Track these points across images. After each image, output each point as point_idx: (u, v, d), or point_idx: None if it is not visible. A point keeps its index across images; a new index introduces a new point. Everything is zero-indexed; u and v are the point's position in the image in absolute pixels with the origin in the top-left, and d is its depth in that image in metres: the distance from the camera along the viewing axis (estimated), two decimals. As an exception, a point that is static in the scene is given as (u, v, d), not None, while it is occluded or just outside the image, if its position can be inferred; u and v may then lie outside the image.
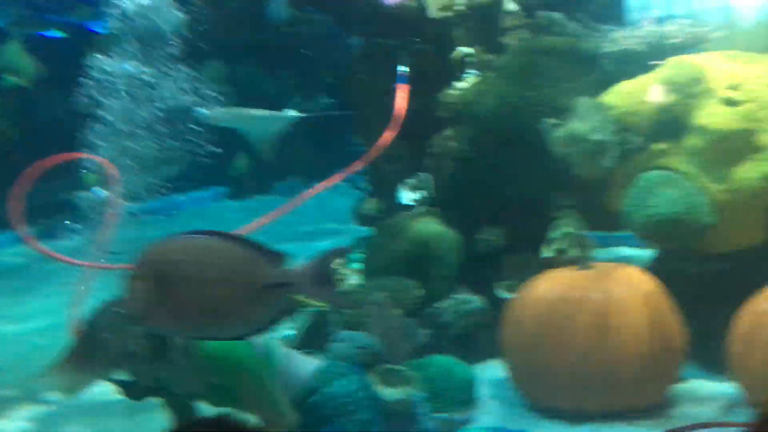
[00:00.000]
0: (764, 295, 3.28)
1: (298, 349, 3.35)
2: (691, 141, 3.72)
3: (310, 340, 3.75)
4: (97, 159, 3.86)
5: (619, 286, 3.49)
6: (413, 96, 4.54)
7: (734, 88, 3.70)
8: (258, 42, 9.36)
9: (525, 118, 4.08)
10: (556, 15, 4.54)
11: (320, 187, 4.48)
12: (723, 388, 3.57)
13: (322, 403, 2.11)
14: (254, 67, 9.43)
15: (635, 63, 4.00)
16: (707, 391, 3.63)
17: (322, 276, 1.99)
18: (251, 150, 9.77)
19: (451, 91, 4.51)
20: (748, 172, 3.60)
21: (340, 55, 8.50)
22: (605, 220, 4.09)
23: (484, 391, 3.73)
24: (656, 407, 3.47)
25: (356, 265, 4.65)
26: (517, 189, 4.19)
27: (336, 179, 4.48)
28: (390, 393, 3.28)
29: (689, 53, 3.92)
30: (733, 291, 3.46)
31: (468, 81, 4.47)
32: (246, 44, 9.25)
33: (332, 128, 8.88)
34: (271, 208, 4.29)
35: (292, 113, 5.34)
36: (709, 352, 3.57)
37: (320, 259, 2.02)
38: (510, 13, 4.49)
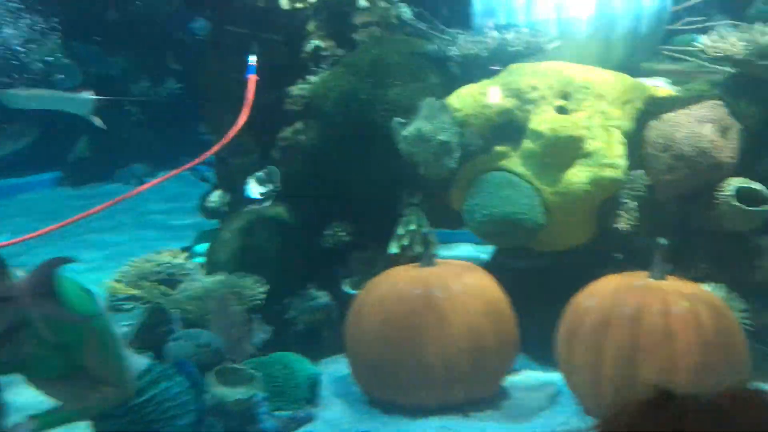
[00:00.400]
0: (586, 293, 3.52)
1: (133, 346, 3.18)
2: (527, 145, 3.91)
3: (146, 337, 3.57)
4: None
5: (459, 282, 3.61)
6: (263, 88, 4.45)
7: (565, 97, 3.94)
8: (99, 19, 8.80)
9: (373, 115, 4.11)
10: (407, 15, 4.62)
11: (165, 177, 4.29)
12: (551, 378, 3.80)
13: (144, 406, 2.00)
14: (95, 45, 8.85)
15: (478, 67, 4.15)
16: (537, 381, 3.85)
17: (43, 288, 1.85)
18: (94, 134, 9.20)
19: (302, 85, 4.46)
20: (576, 176, 3.85)
21: (189, 40, 8.18)
22: (448, 218, 4.23)
23: (327, 388, 3.73)
24: (490, 398, 3.63)
25: (200, 260, 4.50)
26: (364, 185, 4.22)
27: (182, 169, 4.31)
28: (229, 393, 3.20)
29: (527, 61, 4.12)
30: (562, 288, 3.69)
31: (318, 75, 4.44)
32: (85, 20, 8.66)
33: (179, 115, 8.53)
34: (110, 196, 4.05)
35: (88, 95, 5.05)
36: (538, 344, 3.78)
37: (39, 271, 1.88)
38: (362, 9, 4.50)
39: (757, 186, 3.70)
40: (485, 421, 3.46)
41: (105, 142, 9.19)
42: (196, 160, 4.19)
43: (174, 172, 4.17)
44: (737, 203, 3.66)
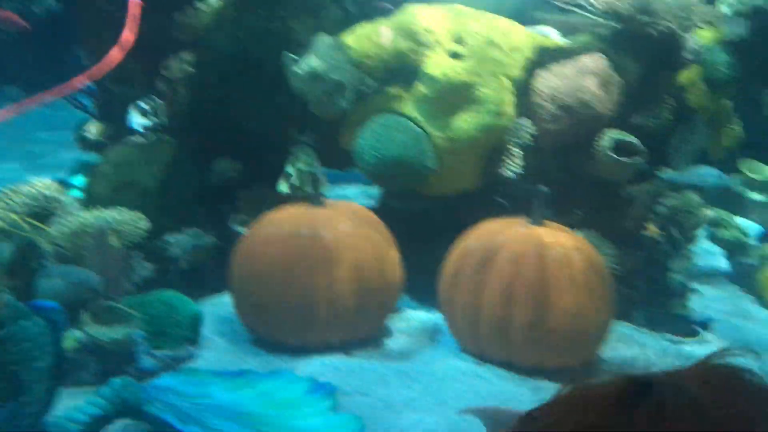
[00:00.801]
0: (469, 236, 3.63)
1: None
2: (420, 89, 3.92)
3: (14, 274, 3.37)
4: None
5: (347, 223, 3.62)
6: (149, 13, 4.19)
7: (459, 41, 3.95)
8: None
9: (265, 49, 3.98)
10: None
11: (35, 99, 3.96)
12: (433, 318, 3.92)
13: (2, 342, 1.88)
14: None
15: (375, 7, 4.08)
16: (419, 322, 3.96)
17: None
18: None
19: (190, 12, 4.24)
20: (466, 122, 3.90)
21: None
22: (338, 158, 4.20)
23: (209, 327, 3.69)
24: (373, 338, 3.71)
25: (77, 193, 4.27)
26: (254, 121, 4.11)
27: (54, 94, 3.99)
28: (106, 332, 3.10)
29: (423, 3, 4.09)
30: (448, 231, 3.78)
31: (209, 3, 4.23)
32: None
33: (58, 36, 7.95)
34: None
35: None
36: (422, 285, 3.88)
37: None
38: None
39: (631, 138, 3.89)
40: (367, 359, 3.53)
41: (-27, 61, 8.47)
42: (69, 85, 3.90)
43: (42, 95, 3.86)
44: (612, 154, 3.84)
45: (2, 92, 8.31)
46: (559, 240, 3.50)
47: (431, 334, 3.83)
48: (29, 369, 1.89)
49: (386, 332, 3.80)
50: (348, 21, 4.07)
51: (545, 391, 3.34)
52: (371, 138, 3.89)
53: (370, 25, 4.01)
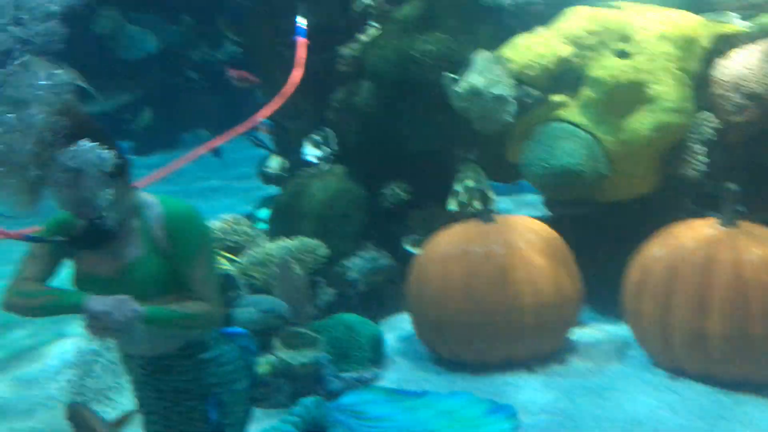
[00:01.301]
0: (653, 242, 3.42)
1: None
2: (586, 93, 3.77)
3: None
4: None
5: (519, 237, 3.56)
6: (314, 49, 4.42)
7: (625, 40, 3.76)
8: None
9: (425, 71, 4.04)
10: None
11: (216, 141, 4.30)
12: (618, 330, 3.73)
13: (209, 364, 2.03)
14: (151, 14, 8.98)
15: (532, 15, 4.00)
16: (603, 334, 3.79)
17: None
18: (156, 103, 9.41)
19: (352, 44, 4.41)
20: (640, 123, 3.69)
21: (244, 2, 8.20)
22: (506, 172, 4.15)
23: (390, 348, 3.77)
24: (555, 353, 3.60)
25: (262, 225, 4.58)
26: (419, 143, 4.18)
27: (233, 133, 4.30)
28: (295, 356, 3.28)
29: (584, 5, 3.94)
30: (626, 238, 3.59)
31: (369, 33, 4.38)
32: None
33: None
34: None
35: None
36: (604, 296, 3.72)
37: None
38: (409, -38, 4.39)
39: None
40: (550, 376, 3.43)
41: (168, 110, 9.40)
42: (247, 123, 4.19)
43: (225, 136, 4.18)
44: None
45: (195, 135, 9.14)
46: (755, 241, 3.20)
47: (618, 348, 3.65)
48: (230, 391, 2.04)
49: (569, 347, 3.68)
50: (506, 33, 4.02)
51: (750, 405, 3.07)
52: (537, 149, 3.81)
53: (529, 35, 3.94)
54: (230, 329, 2.18)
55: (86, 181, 1.78)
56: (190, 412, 2.05)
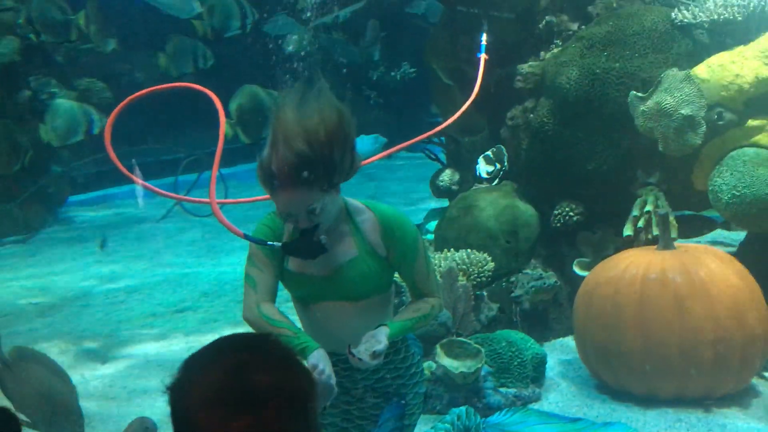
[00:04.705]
0: None
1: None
2: (789, 117, 3.49)
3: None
4: None
5: (702, 268, 3.34)
6: (493, 66, 4.43)
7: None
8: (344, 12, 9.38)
9: (608, 90, 3.92)
10: (648, -18, 4.32)
11: (392, 150, 4.41)
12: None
13: (399, 365, 2.07)
14: (340, 35, 9.47)
15: (731, 33, 3.77)
16: (792, 383, 3.46)
17: None
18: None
19: (532, 62, 4.39)
20: None
21: (423, 23, 8.42)
22: (691, 200, 3.91)
23: (553, 370, 3.67)
24: (736, 394, 3.32)
25: (430, 236, 4.64)
26: (596, 163, 4.05)
27: (407, 144, 4.39)
28: (456, 365, 3.28)
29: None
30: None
31: (551, 51, 4.33)
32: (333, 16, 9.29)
33: (413, 98, 8.84)
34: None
35: None
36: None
37: None
38: (598, -20, 4.30)
39: None
40: (729, 419, 3.17)
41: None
42: (420, 137, 4.27)
43: (397, 147, 4.28)
44: None
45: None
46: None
47: (808, 399, 3.31)
48: (414, 393, 2.06)
49: (752, 390, 3.38)
50: (700, 53, 3.82)
51: None
52: (729, 176, 3.57)
53: (726, 53, 3.71)
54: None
55: (314, 193, 1.83)
56: (373, 409, 2.07)
